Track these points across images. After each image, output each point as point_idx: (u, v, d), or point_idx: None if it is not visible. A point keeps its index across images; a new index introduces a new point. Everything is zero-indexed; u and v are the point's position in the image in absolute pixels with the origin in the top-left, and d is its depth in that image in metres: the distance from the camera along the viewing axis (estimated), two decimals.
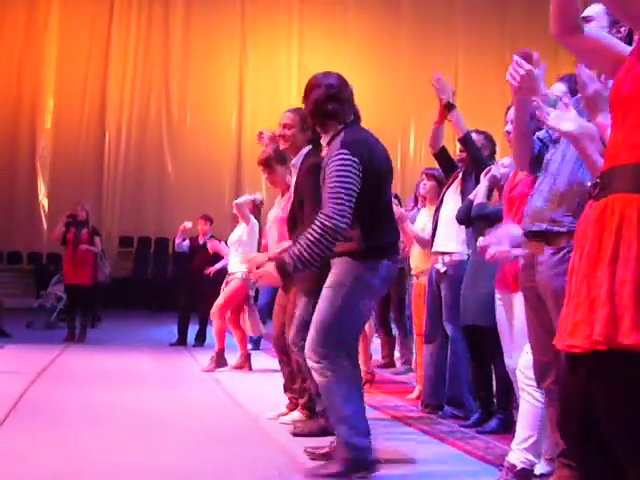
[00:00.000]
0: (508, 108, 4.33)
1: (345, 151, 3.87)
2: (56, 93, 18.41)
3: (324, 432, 4.65)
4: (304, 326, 4.34)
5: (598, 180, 2.10)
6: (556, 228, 3.03)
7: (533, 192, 3.20)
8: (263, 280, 4.01)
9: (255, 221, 8.18)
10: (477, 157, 5.38)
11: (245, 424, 5.30)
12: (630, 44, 2.97)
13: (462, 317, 5.17)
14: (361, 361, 6.77)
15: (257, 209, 8.42)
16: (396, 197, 7.58)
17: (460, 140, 5.40)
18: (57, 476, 3.78)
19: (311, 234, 3.77)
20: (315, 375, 3.93)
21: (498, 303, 4.32)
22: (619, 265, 1.95)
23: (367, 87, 17.49)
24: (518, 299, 4.04)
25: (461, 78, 19.27)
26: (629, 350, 1.89)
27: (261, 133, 5.99)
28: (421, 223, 6.28)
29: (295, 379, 5.35)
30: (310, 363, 3.93)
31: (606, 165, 2.11)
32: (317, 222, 3.79)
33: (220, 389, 6.87)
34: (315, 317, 3.95)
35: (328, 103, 4.06)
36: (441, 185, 6.11)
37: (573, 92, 3.42)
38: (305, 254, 3.76)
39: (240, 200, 8.08)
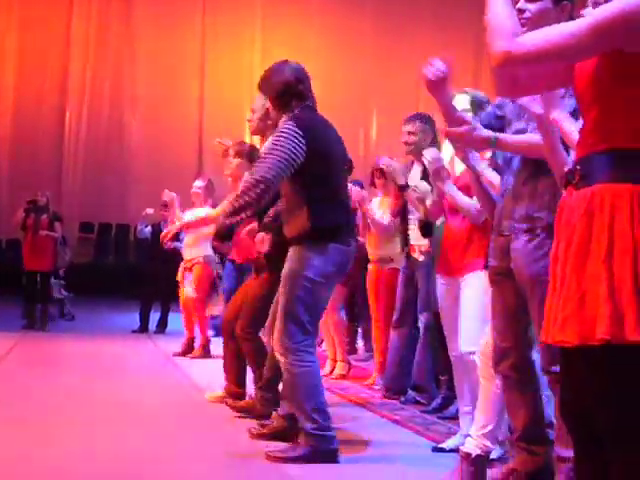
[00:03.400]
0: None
1: (291, 123, 4.00)
2: (16, 78, 18.16)
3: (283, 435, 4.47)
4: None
5: (577, 167, 2.09)
6: (537, 224, 3.06)
7: (501, 191, 3.23)
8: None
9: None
10: None
11: (206, 409, 5.31)
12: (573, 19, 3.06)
13: (433, 304, 5.21)
14: (339, 352, 6.90)
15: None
16: (358, 183, 7.60)
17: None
18: (13, 460, 3.77)
19: (239, 192, 3.99)
20: (282, 369, 4.04)
21: (442, 289, 4.32)
22: (615, 260, 1.95)
23: (329, 72, 17.43)
24: (466, 284, 4.07)
25: (424, 62, 19.31)
26: (631, 345, 1.91)
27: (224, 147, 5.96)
28: (377, 212, 6.32)
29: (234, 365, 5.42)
30: (277, 356, 4.04)
31: (582, 152, 2.10)
32: (246, 182, 4.00)
33: (182, 375, 6.88)
34: (279, 310, 4.04)
35: (298, 84, 4.14)
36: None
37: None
38: (232, 206, 3.96)
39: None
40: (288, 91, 4.12)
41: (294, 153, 3.93)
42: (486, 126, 3.21)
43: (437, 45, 19.20)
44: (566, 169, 2.16)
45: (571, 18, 3.11)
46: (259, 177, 3.90)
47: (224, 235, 4.02)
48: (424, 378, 5.62)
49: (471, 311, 3.96)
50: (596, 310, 1.94)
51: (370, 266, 6.48)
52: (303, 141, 3.95)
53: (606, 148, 2.02)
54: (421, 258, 5.59)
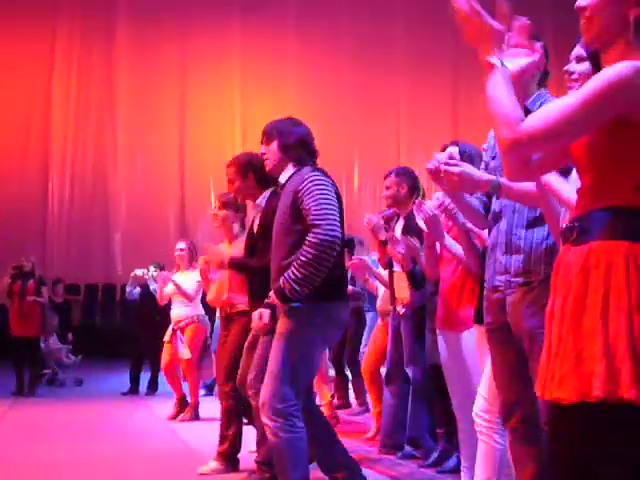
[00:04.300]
0: (443, 148, 4.39)
1: (318, 174, 3.98)
2: None
3: None
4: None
5: (575, 224, 2.13)
6: (533, 277, 3.07)
7: (491, 245, 3.22)
8: (258, 323, 4.00)
9: None
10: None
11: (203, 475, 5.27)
12: (546, 76, 3.18)
13: (427, 357, 5.22)
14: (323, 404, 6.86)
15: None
16: (351, 242, 7.67)
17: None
18: None
19: (306, 253, 3.80)
20: (268, 433, 3.89)
21: (442, 343, 4.33)
22: (611, 316, 1.97)
23: (309, 123, 17.52)
24: (466, 338, 4.10)
25: (403, 110, 19.58)
26: (628, 403, 1.92)
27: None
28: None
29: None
30: (264, 420, 3.88)
31: (579, 210, 2.15)
32: (309, 240, 3.81)
33: (176, 438, 6.81)
34: (269, 371, 3.89)
35: (312, 142, 4.19)
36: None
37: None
38: (299, 275, 3.79)
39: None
40: (304, 145, 4.15)
41: (335, 202, 3.92)
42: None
43: (415, 88, 19.40)
44: (563, 226, 2.20)
45: (546, 72, 3.19)
46: (326, 239, 3.80)
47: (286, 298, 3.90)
48: (418, 432, 5.60)
49: (474, 372, 3.97)
50: (593, 367, 1.96)
51: (378, 320, 6.58)
52: (333, 190, 3.96)
53: (603, 206, 2.07)
54: (402, 311, 5.62)
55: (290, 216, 3.96)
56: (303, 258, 3.79)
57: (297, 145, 4.13)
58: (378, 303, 6.65)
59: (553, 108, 2.08)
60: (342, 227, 4.00)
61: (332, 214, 3.85)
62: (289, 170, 4.12)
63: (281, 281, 3.84)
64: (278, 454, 3.87)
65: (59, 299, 12.76)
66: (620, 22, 2.11)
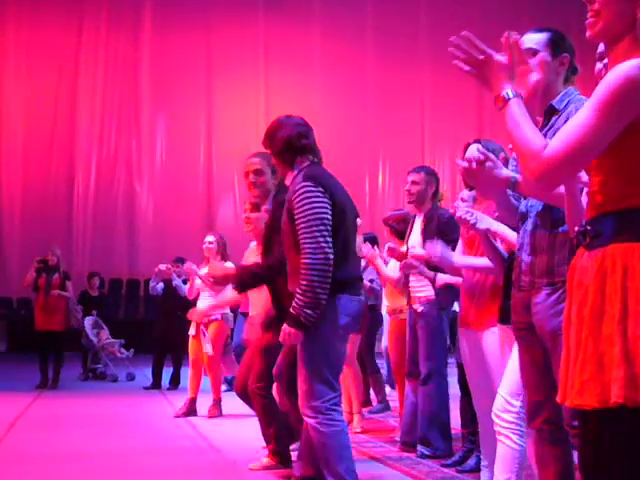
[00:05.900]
0: (466, 146, 4.36)
1: (309, 183, 3.92)
2: (25, 134, 18.31)
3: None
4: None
5: (588, 227, 2.11)
6: (557, 278, 3.05)
7: (518, 246, 3.21)
8: (288, 341, 3.98)
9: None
10: None
11: (224, 470, 5.27)
12: (573, 73, 3.12)
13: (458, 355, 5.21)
14: (355, 404, 6.84)
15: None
16: (372, 237, 7.60)
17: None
18: None
19: (304, 277, 3.81)
20: (311, 430, 3.94)
21: (463, 342, 4.33)
22: (630, 321, 1.96)
23: (333, 124, 17.54)
24: (485, 342, 4.09)
25: (428, 104, 19.56)
26: None
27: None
28: (392, 262, 6.36)
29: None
30: (306, 419, 3.94)
31: (591, 212, 2.13)
32: (304, 263, 3.82)
33: (197, 434, 6.82)
34: (298, 372, 3.94)
35: (300, 139, 4.12)
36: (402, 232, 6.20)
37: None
38: (307, 300, 3.80)
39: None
40: (291, 147, 4.10)
41: (326, 214, 3.87)
42: None
43: (439, 82, 19.34)
44: (575, 229, 2.18)
45: (573, 69, 3.15)
46: (317, 263, 3.81)
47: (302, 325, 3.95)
48: (428, 430, 5.58)
49: (495, 372, 3.96)
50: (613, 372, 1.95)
51: (388, 317, 6.55)
52: (326, 197, 3.90)
53: (615, 209, 2.05)
54: (420, 309, 5.60)
55: (288, 224, 3.99)
56: (304, 282, 3.82)
57: (284, 149, 4.13)
58: (386, 301, 6.63)
59: (572, 129, 2.06)
60: (347, 225, 4.01)
61: (319, 234, 3.84)
62: (290, 176, 4.14)
63: (293, 310, 3.87)
64: (322, 448, 3.91)
65: (94, 292, 12.79)
66: (627, 19, 2.10)
